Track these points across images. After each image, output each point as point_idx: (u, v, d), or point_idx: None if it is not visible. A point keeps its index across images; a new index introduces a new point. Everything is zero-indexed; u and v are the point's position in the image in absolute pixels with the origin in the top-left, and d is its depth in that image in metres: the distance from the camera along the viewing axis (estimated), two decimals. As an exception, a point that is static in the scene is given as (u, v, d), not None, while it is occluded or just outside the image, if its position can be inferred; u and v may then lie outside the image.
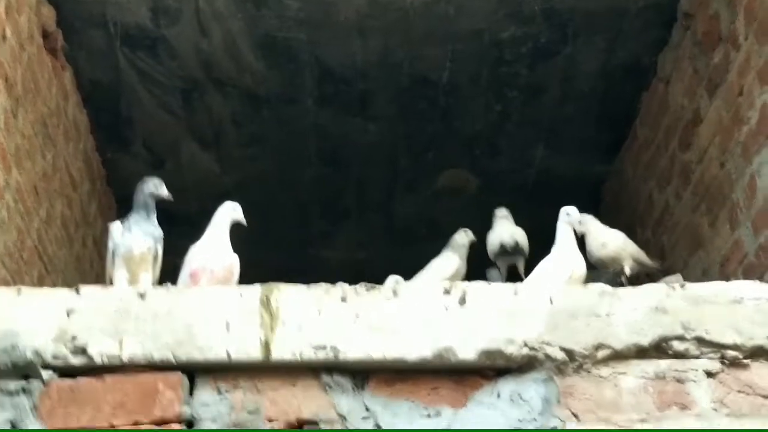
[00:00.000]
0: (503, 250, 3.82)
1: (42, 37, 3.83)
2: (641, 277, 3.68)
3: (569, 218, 3.28)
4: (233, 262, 3.10)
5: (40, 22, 3.80)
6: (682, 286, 2.58)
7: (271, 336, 2.47)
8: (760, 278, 3.14)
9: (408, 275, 3.59)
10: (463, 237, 3.85)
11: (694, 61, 3.84)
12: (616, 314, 2.52)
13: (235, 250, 3.13)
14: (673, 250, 4.04)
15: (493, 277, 3.75)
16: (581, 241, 3.48)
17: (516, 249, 3.80)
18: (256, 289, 2.53)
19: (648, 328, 2.50)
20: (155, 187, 3.09)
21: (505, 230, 3.89)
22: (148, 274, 3.02)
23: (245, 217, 3.23)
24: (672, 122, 4.07)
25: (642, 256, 3.73)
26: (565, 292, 2.55)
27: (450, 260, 3.80)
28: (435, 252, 3.88)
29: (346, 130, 4.54)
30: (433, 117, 4.49)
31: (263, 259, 4.75)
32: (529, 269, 3.60)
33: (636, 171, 4.50)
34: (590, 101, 4.43)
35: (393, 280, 3.54)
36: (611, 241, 3.69)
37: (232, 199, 3.42)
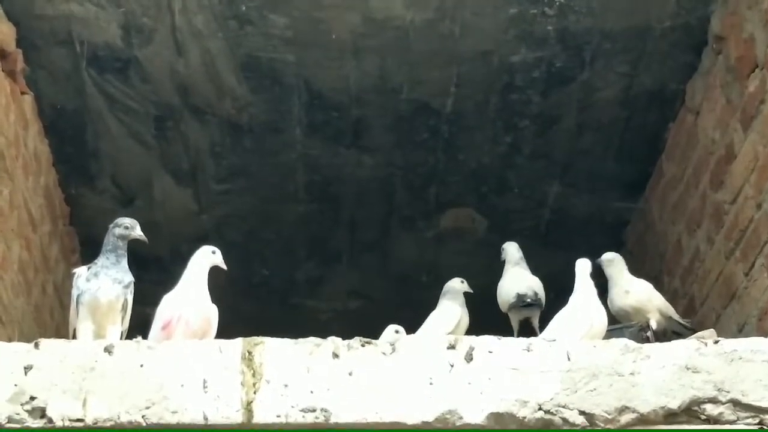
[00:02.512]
0: (520, 302, 3.77)
1: (0, 58, 3.85)
2: (667, 334, 3.68)
3: (587, 267, 3.29)
4: (211, 312, 3.10)
5: (-2, 41, 3.83)
6: (716, 342, 2.60)
7: (254, 396, 2.47)
8: (803, 333, 3.14)
9: (407, 326, 3.58)
10: (458, 283, 3.86)
11: (726, 89, 3.86)
12: (642, 373, 2.53)
13: (214, 298, 3.13)
14: (704, 301, 4.03)
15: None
16: (602, 290, 3.47)
17: (535, 300, 3.77)
18: (237, 344, 2.54)
19: (677, 389, 2.51)
20: (128, 228, 3.09)
21: (521, 279, 3.87)
22: (117, 326, 3.01)
23: (225, 261, 3.23)
24: (702, 157, 4.08)
25: (670, 310, 3.73)
26: (585, 348, 2.56)
27: (450, 311, 3.79)
28: (437, 300, 3.87)
29: (338, 162, 4.55)
30: (436, 148, 4.50)
31: (245, 310, 4.79)
32: (542, 322, 3.59)
33: (663, 212, 4.51)
34: (610, 132, 4.44)
35: (392, 330, 3.54)
36: (636, 291, 3.69)
37: (211, 241, 3.41)
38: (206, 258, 3.20)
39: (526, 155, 4.54)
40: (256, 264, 4.98)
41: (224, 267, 3.22)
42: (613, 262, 3.70)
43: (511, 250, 3.94)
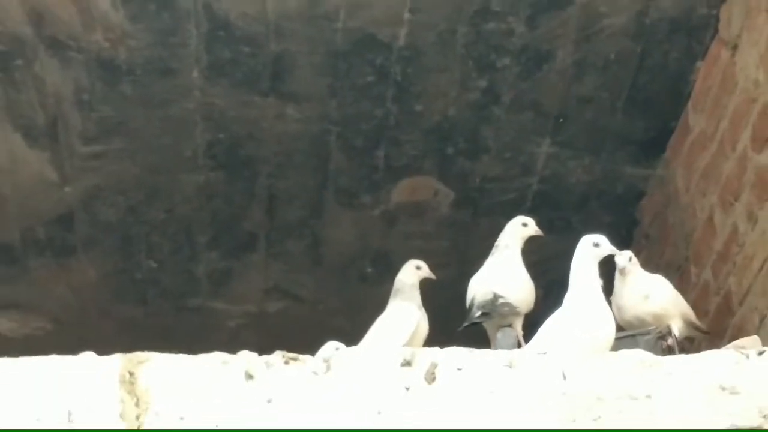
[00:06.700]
0: (471, 319, 3.64)
1: None
2: (683, 342, 3.72)
3: (596, 251, 3.28)
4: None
5: None
6: (761, 353, 2.62)
7: (138, 432, 2.47)
8: None
9: (347, 335, 3.58)
10: (412, 272, 3.86)
11: (774, 14, 3.90)
12: (662, 396, 2.55)
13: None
14: (744, 298, 4.06)
15: (503, 342, 3.57)
16: (607, 286, 3.49)
17: (494, 308, 3.67)
18: (114, 362, 2.53)
19: (710, 416, 2.53)
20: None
21: (486, 277, 3.75)
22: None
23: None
24: (742, 106, 4.11)
25: (691, 313, 3.80)
26: (586, 365, 2.59)
27: (404, 314, 3.79)
28: (387, 300, 3.89)
29: (250, 115, 4.54)
30: (384, 97, 4.51)
31: (125, 315, 4.75)
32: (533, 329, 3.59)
33: (689, 180, 4.53)
34: (618, 73, 4.46)
35: (332, 348, 3.53)
36: (656, 292, 3.73)
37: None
38: None
39: (507, 105, 4.56)
40: (141, 253, 4.94)
41: None
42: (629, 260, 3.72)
43: (511, 229, 3.83)
